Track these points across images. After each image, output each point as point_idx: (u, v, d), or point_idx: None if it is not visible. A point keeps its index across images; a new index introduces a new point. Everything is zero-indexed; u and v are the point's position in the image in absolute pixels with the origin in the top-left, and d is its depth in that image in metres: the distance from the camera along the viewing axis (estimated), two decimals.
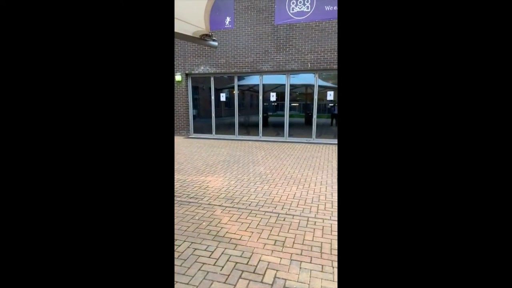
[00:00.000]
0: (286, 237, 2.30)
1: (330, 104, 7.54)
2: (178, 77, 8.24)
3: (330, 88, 7.34)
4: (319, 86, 7.33)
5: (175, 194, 3.35)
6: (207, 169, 4.59)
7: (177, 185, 3.72)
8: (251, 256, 2.02)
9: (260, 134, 8.03)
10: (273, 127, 8.07)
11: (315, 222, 2.59)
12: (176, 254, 2.04)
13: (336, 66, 6.85)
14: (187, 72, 8.22)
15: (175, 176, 4.13)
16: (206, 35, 2.72)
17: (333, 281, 1.74)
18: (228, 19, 7.55)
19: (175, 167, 4.72)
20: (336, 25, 6.73)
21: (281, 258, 2.00)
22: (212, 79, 8.21)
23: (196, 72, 8.14)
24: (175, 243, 2.21)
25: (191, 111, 8.59)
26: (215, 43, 2.93)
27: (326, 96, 7.41)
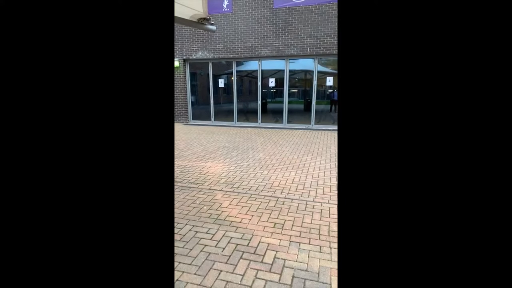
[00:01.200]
0: (285, 220, 2.36)
1: (329, 90, 7.49)
2: (176, 63, 8.11)
3: (329, 74, 7.27)
4: (319, 72, 7.26)
5: (175, 179, 3.39)
6: (206, 155, 4.62)
7: (177, 170, 3.76)
8: (251, 238, 2.09)
9: (259, 121, 8.02)
10: (272, 114, 8.05)
11: (314, 205, 2.65)
12: (178, 237, 2.10)
13: (336, 51, 6.76)
14: (184, 57, 8.09)
15: (175, 162, 4.16)
16: (204, 18, 2.67)
17: (331, 260, 1.81)
18: (226, 2, 7.36)
19: (175, 153, 4.74)
20: (337, 8, 6.57)
21: (280, 239, 2.06)
22: (210, 64, 8.10)
23: (194, 57, 8.02)
24: (177, 226, 2.26)
25: (189, 98, 8.53)
26: (214, 27, 2.88)
27: (325, 81, 7.36)
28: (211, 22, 2.80)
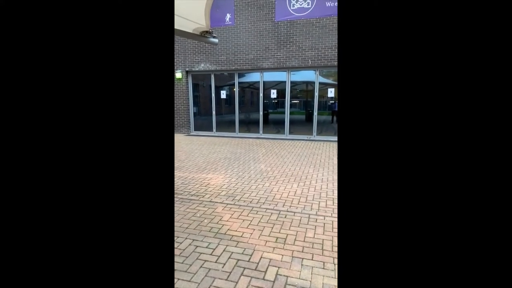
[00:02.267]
0: (287, 234, 2.30)
1: (330, 101, 7.52)
2: (178, 75, 8.21)
3: (330, 85, 7.32)
4: (320, 83, 7.31)
5: (176, 191, 3.36)
6: (208, 166, 4.59)
7: (178, 182, 3.72)
8: (252, 253, 2.03)
9: (261, 132, 8.02)
10: (274, 125, 8.06)
11: (316, 219, 2.60)
12: (178, 252, 2.05)
13: (337, 63, 6.82)
14: (187, 69, 8.19)
15: (176, 174, 4.13)
16: (207, 31, 2.71)
17: (335, 278, 1.74)
18: (228, 15, 7.51)
19: (176, 164, 4.73)
20: (337, 21, 6.68)
21: (282, 255, 2.00)
22: (212, 76, 8.18)
23: (197, 69, 8.12)
24: (177, 240, 2.21)
25: (191, 109, 8.58)
26: (216, 40, 2.91)
27: (326, 93, 7.39)
28: (214, 35, 2.83)
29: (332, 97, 7.38)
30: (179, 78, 8.27)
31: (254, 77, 7.92)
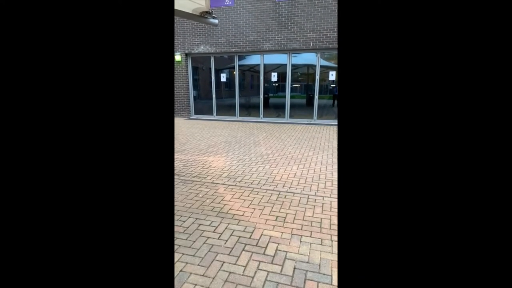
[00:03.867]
0: (287, 213, 2.38)
1: (332, 85, 7.45)
2: (177, 57, 8.09)
3: (332, 68, 7.23)
4: (321, 66, 7.22)
5: (178, 173, 3.42)
6: (209, 149, 4.64)
7: (180, 164, 3.78)
8: (253, 230, 2.11)
9: (261, 115, 8.01)
10: (274, 108, 8.04)
11: (315, 199, 2.67)
12: (181, 229, 2.13)
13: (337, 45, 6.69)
14: (186, 51, 8.06)
15: (177, 156, 4.19)
16: (206, 12, 2.66)
17: (332, 253, 1.83)
18: None
19: (177, 147, 4.77)
20: None
21: (282, 232, 2.09)
22: (212, 59, 8.07)
23: (196, 51, 7.99)
24: (180, 219, 2.29)
25: (191, 92, 8.53)
26: (216, 21, 2.87)
27: (328, 76, 7.31)
28: (213, 15, 2.79)
29: (333, 81, 7.31)
30: (179, 61, 8.15)
31: (254, 59, 7.81)
